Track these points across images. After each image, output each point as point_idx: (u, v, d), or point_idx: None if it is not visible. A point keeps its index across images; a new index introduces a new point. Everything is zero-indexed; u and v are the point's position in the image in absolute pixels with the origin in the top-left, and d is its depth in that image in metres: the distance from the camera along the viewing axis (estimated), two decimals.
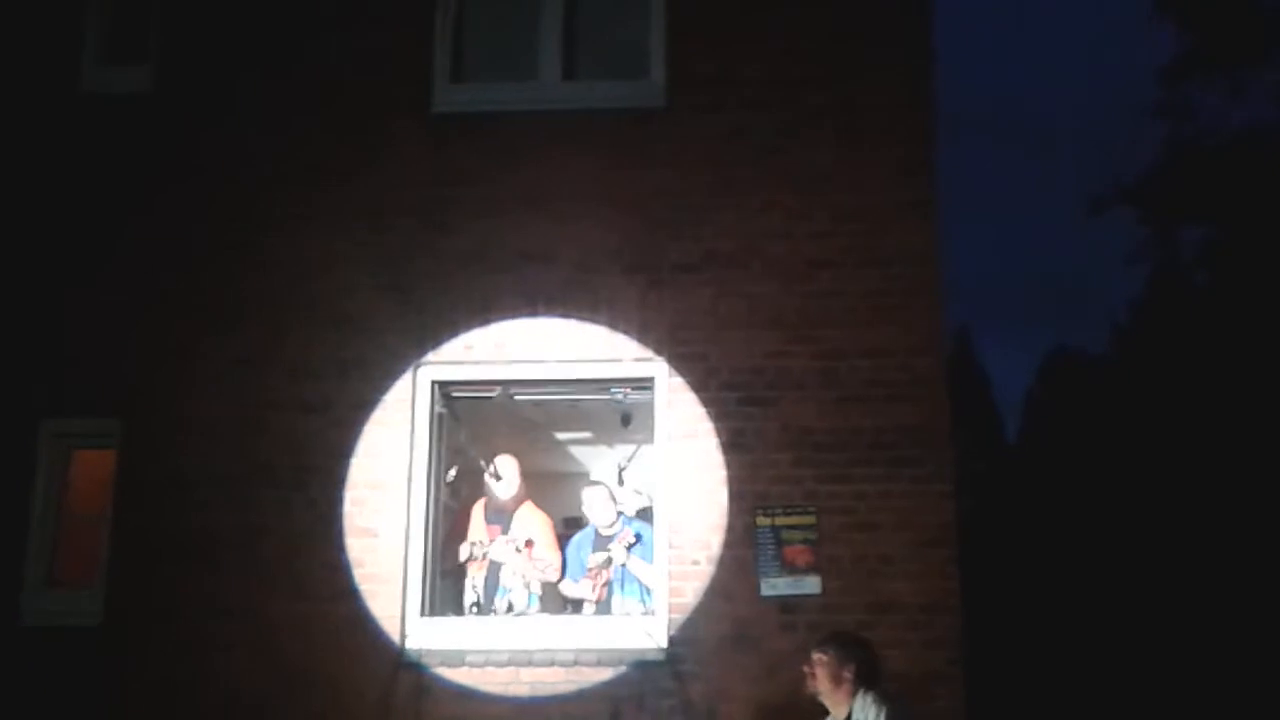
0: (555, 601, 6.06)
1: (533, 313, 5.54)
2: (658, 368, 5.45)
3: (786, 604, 5.13)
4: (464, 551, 5.93)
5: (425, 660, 5.19)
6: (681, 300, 5.50)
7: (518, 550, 5.83)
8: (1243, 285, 15.59)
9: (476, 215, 5.66)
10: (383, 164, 5.76)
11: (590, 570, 5.84)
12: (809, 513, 5.21)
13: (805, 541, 5.18)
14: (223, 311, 5.64)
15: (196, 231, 5.75)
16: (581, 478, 7.36)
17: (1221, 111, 16.16)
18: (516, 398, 5.77)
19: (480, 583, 5.91)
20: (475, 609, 5.84)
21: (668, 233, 5.58)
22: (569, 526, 6.55)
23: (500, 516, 6.06)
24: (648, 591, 5.59)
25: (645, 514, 6.07)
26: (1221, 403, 15.39)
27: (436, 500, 5.51)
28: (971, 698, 5.07)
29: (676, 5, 5.83)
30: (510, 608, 5.80)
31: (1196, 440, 15.79)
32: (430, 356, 5.53)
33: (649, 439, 5.64)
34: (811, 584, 5.15)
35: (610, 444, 7.28)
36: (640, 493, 7.00)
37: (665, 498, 5.34)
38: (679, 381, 5.41)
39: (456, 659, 5.18)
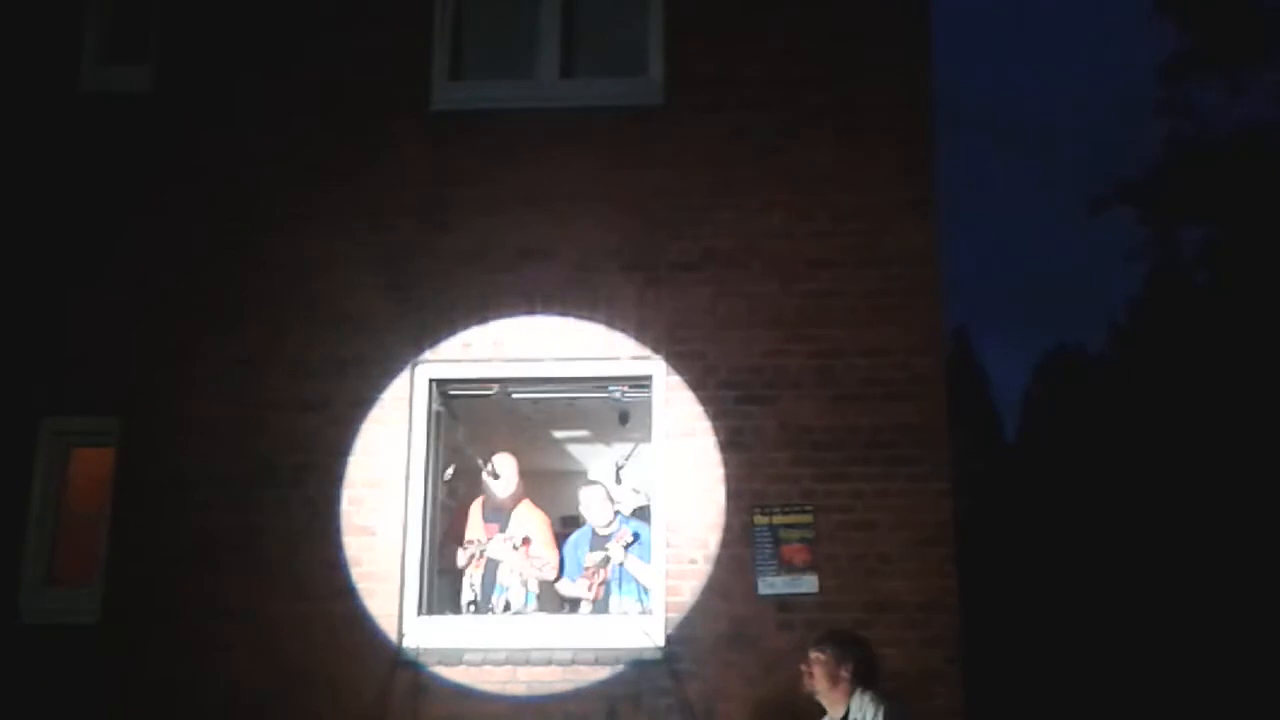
0: (553, 600, 6.07)
1: (531, 311, 5.55)
2: (656, 366, 5.46)
3: (784, 603, 5.14)
4: (462, 558, 5.94)
5: (423, 659, 5.19)
6: (680, 299, 5.50)
7: (515, 548, 5.84)
8: (1243, 285, 15.60)
9: (475, 214, 5.67)
10: (383, 163, 5.77)
11: (587, 570, 5.85)
12: (806, 511, 5.22)
13: (803, 540, 5.19)
14: (223, 311, 5.64)
15: (196, 231, 5.76)
16: (579, 476, 7.38)
17: (1221, 111, 16.20)
18: (514, 396, 5.78)
19: (478, 581, 5.92)
20: (473, 607, 5.85)
21: (667, 232, 5.58)
22: (567, 525, 6.56)
23: (498, 515, 6.07)
24: (645, 590, 5.60)
25: (642, 513, 6.08)
26: (1221, 403, 15.40)
27: (434, 498, 5.52)
28: (970, 696, 5.08)
29: (676, 4, 5.83)
30: (508, 606, 5.82)
31: (1195, 440, 15.80)
32: (428, 355, 5.54)
33: (647, 437, 5.65)
34: (809, 583, 5.15)
35: (608, 442, 7.29)
36: (638, 491, 7.01)
37: (663, 496, 5.34)
38: (677, 380, 5.42)
39: (454, 657, 5.19)
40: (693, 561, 5.22)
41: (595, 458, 7.76)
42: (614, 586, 5.76)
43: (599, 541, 5.90)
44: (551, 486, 7.19)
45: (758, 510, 5.24)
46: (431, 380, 5.55)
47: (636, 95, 5.78)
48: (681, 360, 5.43)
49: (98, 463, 5.63)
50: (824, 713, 4.15)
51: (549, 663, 5.15)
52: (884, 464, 5.25)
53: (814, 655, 4.15)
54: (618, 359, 5.50)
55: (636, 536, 5.75)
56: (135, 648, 5.29)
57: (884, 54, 5.71)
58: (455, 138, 5.79)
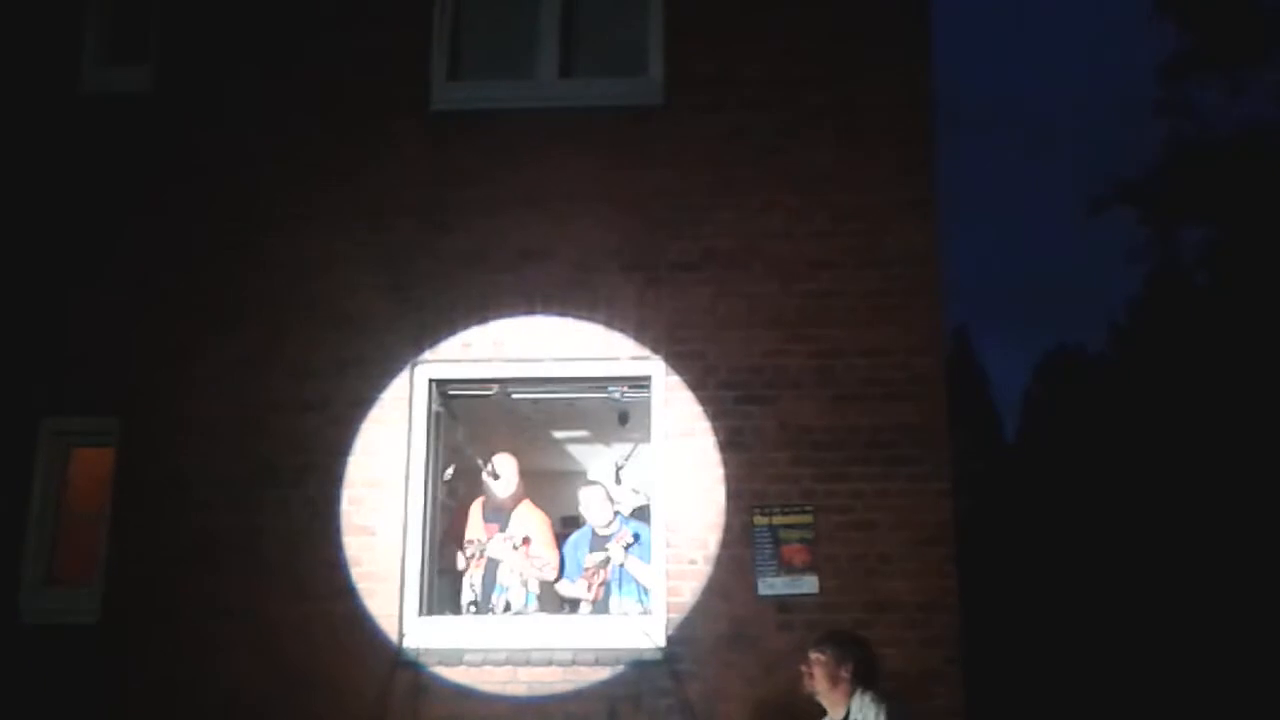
0: (553, 600, 6.07)
1: (531, 311, 5.55)
2: (655, 366, 5.46)
3: (784, 603, 5.14)
4: (462, 560, 5.94)
5: (423, 659, 5.19)
6: (680, 299, 5.50)
7: (515, 548, 5.84)
8: (1243, 285, 15.60)
9: (475, 214, 5.67)
10: (382, 163, 5.77)
11: (587, 570, 5.85)
12: (806, 512, 5.22)
13: (803, 540, 5.19)
14: (223, 311, 5.64)
15: (196, 231, 5.76)
16: (579, 476, 7.38)
17: (1221, 111, 16.20)
18: (514, 396, 5.78)
19: (478, 581, 5.92)
20: (473, 608, 5.85)
21: (667, 232, 5.58)
22: (567, 525, 6.56)
23: (498, 515, 6.07)
24: (645, 591, 5.60)
25: (642, 513, 6.08)
26: (1220, 402, 15.40)
27: (434, 498, 5.52)
28: (970, 696, 5.08)
29: (676, 4, 5.83)
30: (508, 606, 5.82)
31: (1195, 440, 15.80)
32: (428, 355, 5.54)
33: (646, 437, 5.65)
34: (809, 583, 5.15)
35: (608, 442, 7.29)
36: (637, 491, 7.01)
37: (662, 497, 5.34)
38: (676, 380, 5.42)
39: (454, 658, 5.19)
40: (692, 562, 5.22)
41: (595, 458, 7.76)
42: (614, 587, 5.76)
43: (599, 542, 5.90)
44: (551, 486, 7.19)
45: (757, 510, 5.24)
46: (431, 380, 5.55)
47: (636, 95, 5.78)
48: (681, 360, 5.43)
49: (98, 463, 5.63)
50: (824, 713, 4.15)
51: (549, 663, 5.15)
52: (884, 464, 5.25)
53: (814, 656, 4.15)
54: (617, 359, 5.50)
55: (636, 537, 5.75)
56: (135, 648, 5.29)
57: (884, 54, 5.71)
58: (455, 138, 5.79)
